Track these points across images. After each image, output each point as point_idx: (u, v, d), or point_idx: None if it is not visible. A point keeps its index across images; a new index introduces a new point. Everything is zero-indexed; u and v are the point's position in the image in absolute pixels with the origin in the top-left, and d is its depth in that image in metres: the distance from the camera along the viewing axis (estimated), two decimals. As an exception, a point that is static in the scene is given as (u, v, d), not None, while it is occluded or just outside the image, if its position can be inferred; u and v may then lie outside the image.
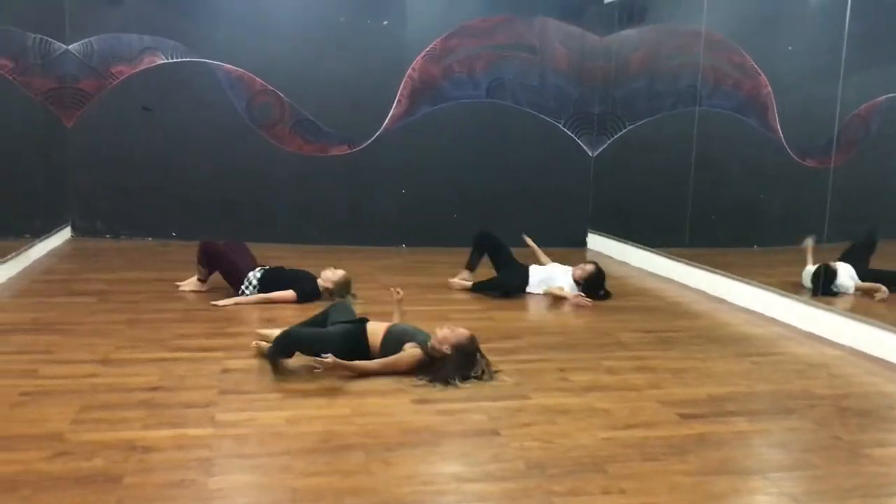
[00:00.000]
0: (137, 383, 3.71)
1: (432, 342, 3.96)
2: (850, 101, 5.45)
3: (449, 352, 3.88)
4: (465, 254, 6.35)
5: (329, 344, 3.95)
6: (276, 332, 4.17)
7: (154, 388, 3.65)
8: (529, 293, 6.09)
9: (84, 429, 3.15)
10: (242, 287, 5.49)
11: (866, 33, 5.38)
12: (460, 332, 3.95)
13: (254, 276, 5.52)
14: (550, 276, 6.11)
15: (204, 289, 5.67)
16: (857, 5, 5.18)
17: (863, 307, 5.23)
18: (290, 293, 5.44)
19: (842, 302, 5.36)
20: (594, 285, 6.03)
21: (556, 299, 5.91)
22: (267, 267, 5.66)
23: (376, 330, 4.13)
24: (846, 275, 5.55)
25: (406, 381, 3.87)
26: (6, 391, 3.54)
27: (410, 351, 3.98)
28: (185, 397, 3.57)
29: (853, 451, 3.25)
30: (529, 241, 6.60)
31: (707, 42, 6.73)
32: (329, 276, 5.51)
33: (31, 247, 6.56)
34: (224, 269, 5.60)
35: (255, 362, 4.13)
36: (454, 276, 6.26)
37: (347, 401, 3.61)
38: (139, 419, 3.28)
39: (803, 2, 6.39)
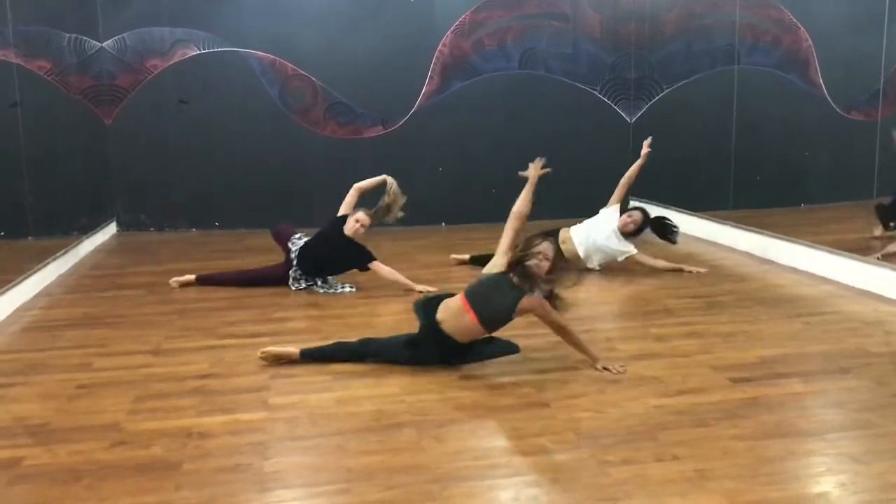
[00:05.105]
0: (189, 371, 3.78)
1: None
2: (896, 50, 5.28)
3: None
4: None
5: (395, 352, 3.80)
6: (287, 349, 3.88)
7: (206, 376, 3.71)
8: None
9: (140, 418, 3.22)
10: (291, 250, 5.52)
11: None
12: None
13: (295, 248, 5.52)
14: (593, 234, 5.89)
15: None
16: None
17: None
18: None
19: None
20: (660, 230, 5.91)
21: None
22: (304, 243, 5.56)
23: (454, 307, 3.71)
24: None
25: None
26: (64, 384, 3.63)
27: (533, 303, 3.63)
28: (237, 383, 3.62)
29: (913, 409, 3.18)
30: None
31: (743, -2, 6.56)
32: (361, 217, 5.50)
33: (79, 243, 6.70)
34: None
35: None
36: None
37: (396, 379, 3.63)
38: (193, 406, 3.34)
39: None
